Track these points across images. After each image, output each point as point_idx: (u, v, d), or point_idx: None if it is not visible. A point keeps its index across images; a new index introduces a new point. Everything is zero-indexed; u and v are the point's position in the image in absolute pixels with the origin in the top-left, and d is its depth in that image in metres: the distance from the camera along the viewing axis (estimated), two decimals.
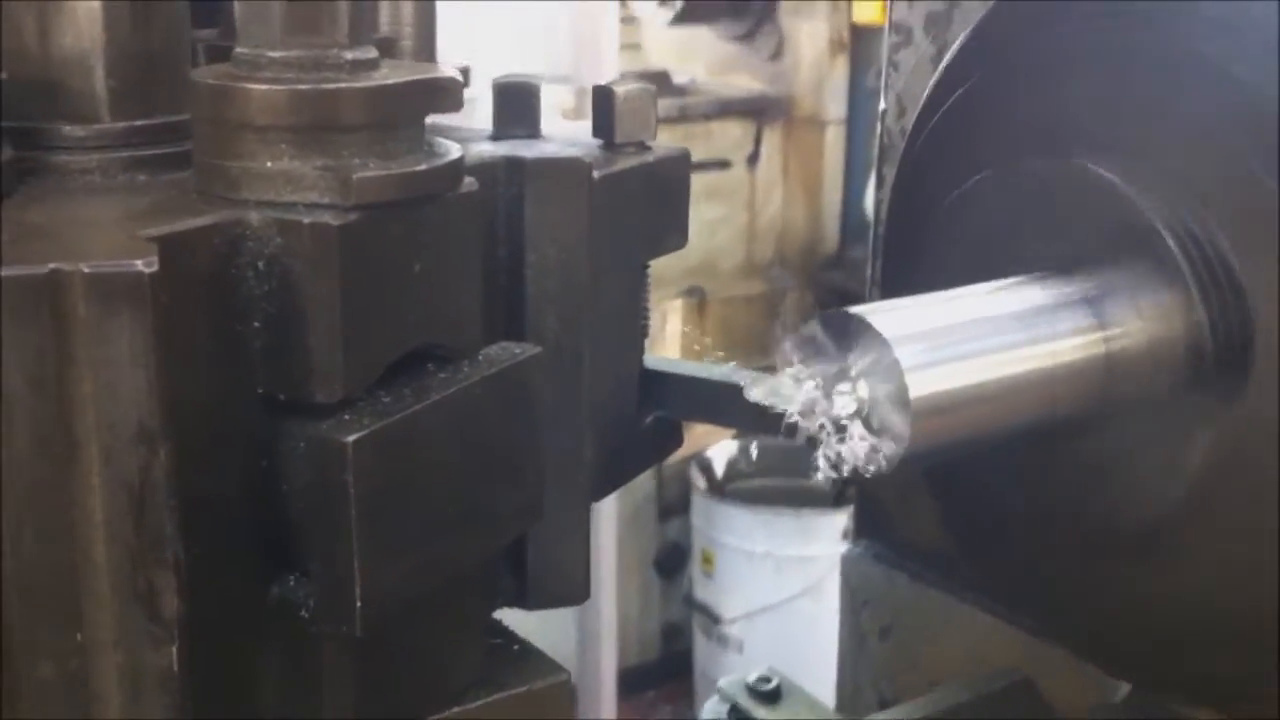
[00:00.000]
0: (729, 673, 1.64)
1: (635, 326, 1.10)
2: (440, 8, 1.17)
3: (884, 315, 1.09)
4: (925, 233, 1.41)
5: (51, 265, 0.68)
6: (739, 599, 4.98)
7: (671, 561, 5.49)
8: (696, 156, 1.14)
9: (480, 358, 0.90)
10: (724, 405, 1.10)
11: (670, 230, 1.12)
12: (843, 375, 1.07)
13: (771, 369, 1.06)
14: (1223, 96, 1.14)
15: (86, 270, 0.68)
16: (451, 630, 0.93)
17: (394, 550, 0.81)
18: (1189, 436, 1.17)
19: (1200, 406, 1.16)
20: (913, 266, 1.44)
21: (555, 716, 0.97)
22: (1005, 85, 1.33)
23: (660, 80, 5.28)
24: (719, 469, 5.22)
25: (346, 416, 0.80)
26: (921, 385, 1.06)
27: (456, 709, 0.93)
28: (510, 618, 1.04)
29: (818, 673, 1.86)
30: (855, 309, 1.10)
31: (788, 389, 1.06)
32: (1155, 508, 1.21)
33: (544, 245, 0.99)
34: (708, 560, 5.10)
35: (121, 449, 0.70)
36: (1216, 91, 1.14)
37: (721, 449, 5.22)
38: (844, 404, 1.06)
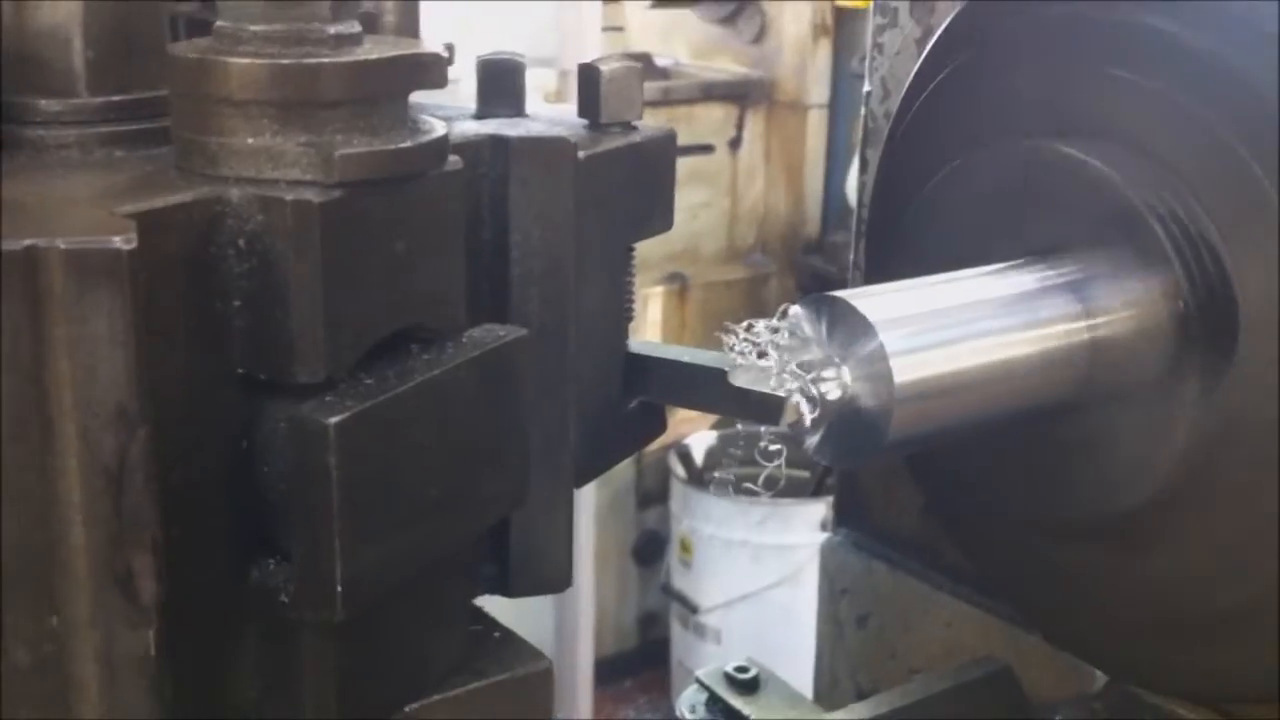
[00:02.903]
0: (706, 662, 1.64)
1: (620, 310, 1.09)
2: None
3: (869, 299, 1.09)
4: (909, 216, 1.40)
5: (27, 241, 0.67)
6: (717, 588, 4.98)
7: (650, 550, 5.48)
8: (680, 140, 1.13)
9: (464, 339, 0.89)
10: (708, 390, 1.10)
11: (656, 211, 1.11)
12: (827, 360, 1.06)
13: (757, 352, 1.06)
14: (1209, 82, 1.13)
15: (63, 246, 0.67)
16: (433, 616, 0.92)
17: (375, 534, 0.80)
18: (1172, 422, 1.17)
19: (1184, 392, 1.16)
20: (896, 249, 1.43)
21: (537, 703, 0.96)
22: (990, 68, 1.33)
23: (643, 63, 5.25)
24: (698, 457, 5.22)
25: (328, 398, 0.78)
26: (905, 370, 1.06)
27: (437, 696, 0.92)
28: (488, 606, 1.03)
29: (795, 662, 1.86)
30: (840, 293, 1.09)
31: (772, 374, 1.05)
32: (1137, 494, 1.21)
33: (528, 225, 0.98)
34: (686, 549, 5.10)
35: (99, 429, 0.69)
36: (1203, 77, 1.14)
37: (701, 438, 5.22)
38: (828, 389, 1.05)
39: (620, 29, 5.68)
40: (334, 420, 0.76)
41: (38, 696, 0.71)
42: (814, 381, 1.05)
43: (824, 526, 1.77)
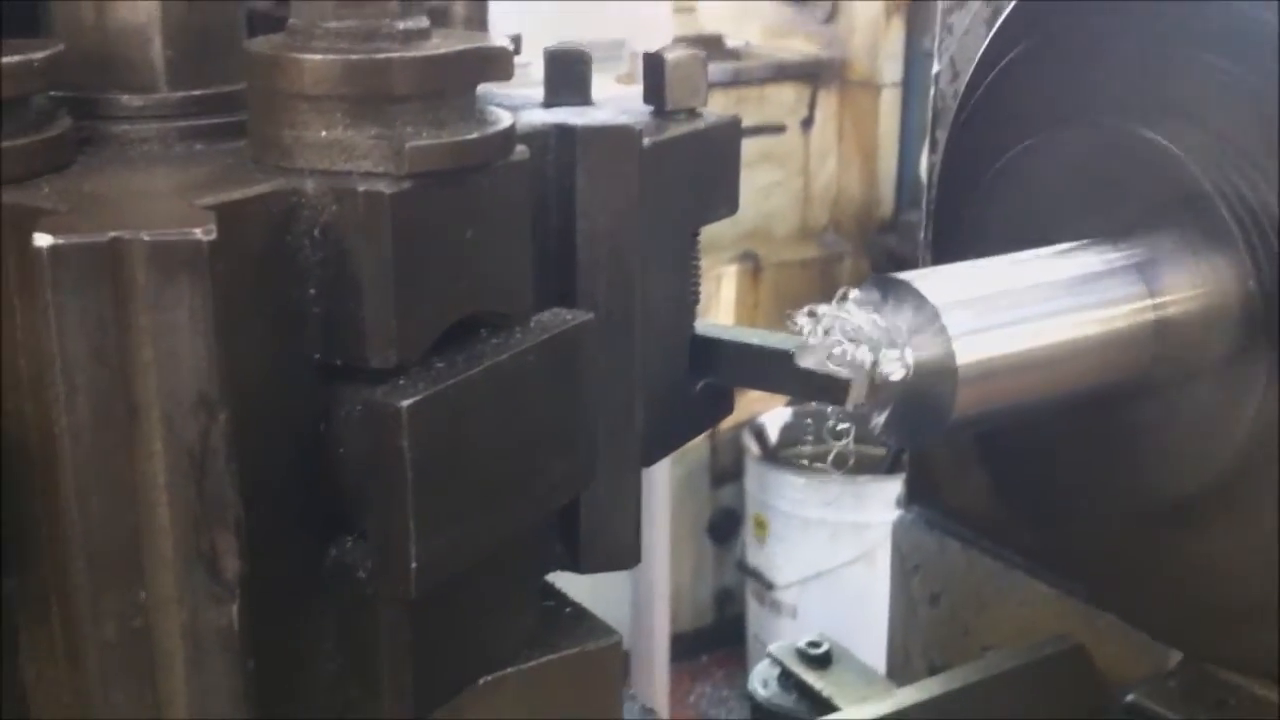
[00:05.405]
0: (782, 638, 1.65)
1: (686, 293, 1.11)
2: None
3: (931, 281, 1.10)
4: (976, 196, 1.41)
5: (112, 234, 0.69)
6: (792, 565, 4.99)
7: (725, 527, 5.50)
8: (750, 121, 1.15)
9: (532, 324, 0.91)
10: (774, 372, 1.11)
11: (720, 197, 1.12)
12: (891, 341, 1.07)
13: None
14: (1274, 60, 1.13)
15: (146, 239, 0.69)
16: (505, 592, 0.94)
17: (448, 514, 0.83)
18: (1240, 403, 1.17)
19: (1251, 374, 1.16)
20: (964, 230, 1.44)
21: (607, 677, 0.98)
22: (1057, 48, 1.33)
23: (714, 44, 5.26)
24: (773, 435, 5.22)
25: (401, 382, 0.81)
26: (968, 351, 1.07)
27: (510, 669, 0.94)
28: (564, 583, 1.06)
29: (870, 639, 1.87)
30: (903, 274, 1.10)
31: (836, 355, 1.06)
32: (1206, 474, 1.21)
33: (595, 213, 1.00)
34: (761, 526, 5.11)
35: (182, 415, 0.71)
36: (1267, 55, 1.13)
37: (775, 415, 5.22)
38: (892, 370, 1.07)
39: (692, 10, 5.67)
40: (406, 403, 0.78)
41: (125, 669, 0.74)
42: (878, 363, 1.06)
43: (898, 504, 1.78)
